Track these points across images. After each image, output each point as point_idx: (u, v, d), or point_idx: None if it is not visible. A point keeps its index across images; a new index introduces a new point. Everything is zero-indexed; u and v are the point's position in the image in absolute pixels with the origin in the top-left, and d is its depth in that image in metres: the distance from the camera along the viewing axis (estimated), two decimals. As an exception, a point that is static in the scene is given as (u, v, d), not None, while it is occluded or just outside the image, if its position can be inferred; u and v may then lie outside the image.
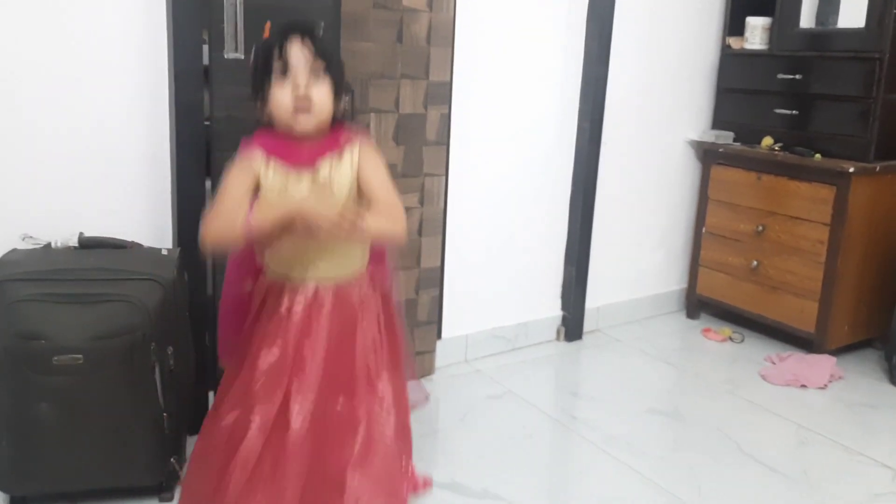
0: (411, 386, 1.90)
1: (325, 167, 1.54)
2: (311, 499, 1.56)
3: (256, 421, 1.53)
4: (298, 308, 1.58)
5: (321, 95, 1.50)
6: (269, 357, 1.56)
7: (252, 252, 1.65)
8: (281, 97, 1.49)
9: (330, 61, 1.51)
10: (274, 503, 1.53)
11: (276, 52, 1.48)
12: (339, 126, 1.58)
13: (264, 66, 1.50)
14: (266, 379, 1.55)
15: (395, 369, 1.73)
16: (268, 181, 1.53)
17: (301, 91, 1.47)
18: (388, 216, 1.54)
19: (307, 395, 1.56)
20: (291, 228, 1.46)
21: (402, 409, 1.75)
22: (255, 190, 1.54)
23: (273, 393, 1.54)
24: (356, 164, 1.56)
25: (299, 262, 1.58)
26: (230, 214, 1.50)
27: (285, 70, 1.48)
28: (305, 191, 1.53)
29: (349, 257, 1.63)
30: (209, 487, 1.56)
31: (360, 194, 1.58)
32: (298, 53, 1.48)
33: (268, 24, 1.56)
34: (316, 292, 1.59)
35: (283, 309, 1.58)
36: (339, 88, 1.54)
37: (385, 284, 1.73)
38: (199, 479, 1.63)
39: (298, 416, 1.54)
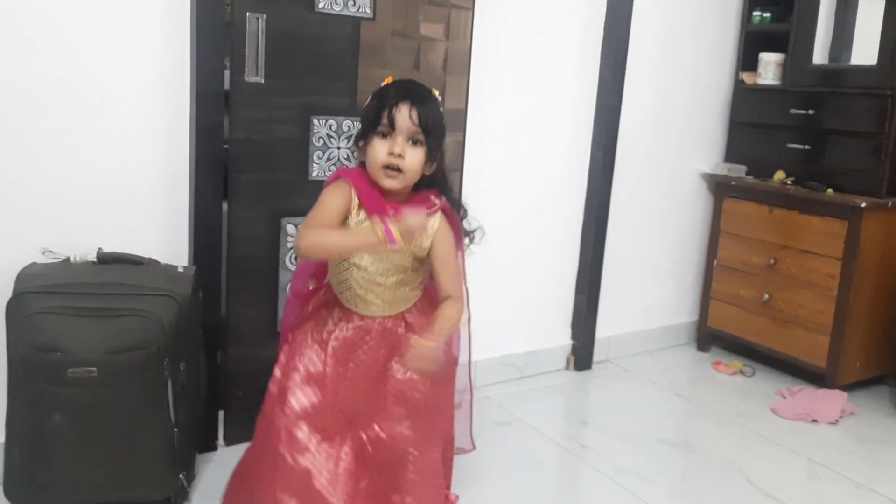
0: (461, 432, 2.01)
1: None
2: None
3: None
4: (342, 334, 1.71)
5: (413, 161, 1.63)
6: (309, 367, 1.71)
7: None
8: (378, 152, 1.62)
9: (430, 132, 1.64)
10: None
11: (385, 112, 1.61)
12: (426, 192, 1.71)
13: (374, 118, 1.63)
14: (301, 391, 1.69)
15: (443, 402, 1.83)
16: (353, 219, 1.65)
17: (395, 154, 1.60)
18: (458, 311, 1.73)
19: (342, 416, 1.69)
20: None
21: (448, 442, 1.86)
22: (345, 215, 1.66)
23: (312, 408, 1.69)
24: (432, 236, 1.69)
25: (353, 294, 1.71)
26: (323, 231, 1.62)
27: (389, 130, 1.61)
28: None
29: (401, 302, 1.75)
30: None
31: (424, 259, 1.73)
32: (405, 119, 1.61)
33: (389, 78, 1.71)
34: (363, 321, 1.71)
35: (329, 328, 1.72)
36: (433, 155, 1.67)
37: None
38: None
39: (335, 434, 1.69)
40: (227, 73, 2.16)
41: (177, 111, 2.14)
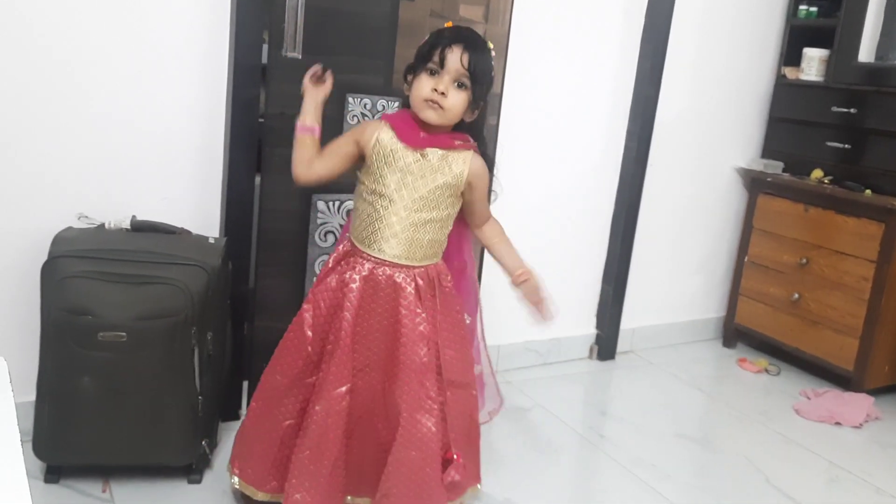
0: (488, 392, 2.00)
1: (435, 154, 1.69)
2: (355, 472, 1.74)
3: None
4: (353, 284, 1.70)
5: (455, 102, 1.66)
6: (317, 323, 1.74)
7: None
8: (423, 86, 1.66)
9: (477, 79, 1.67)
10: (315, 463, 1.67)
11: (438, 50, 1.65)
12: (462, 133, 1.74)
13: (426, 54, 1.67)
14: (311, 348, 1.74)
15: (460, 372, 1.80)
16: (380, 142, 1.69)
17: (439, 92, 1.64)
18: (501, 226, 1.90)
19: (345, 368, 1.69)
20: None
21: (464, 413, 1.81)
22: (352, 157, 1.75)
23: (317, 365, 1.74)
24: (467, 171, 1.71)
25: (368, 236, 1.70)
26: (320, 155, 1.76)
27: (438, 68, 1.65)
28: (410, 163, 1.68)
29: (418, 250, 1.72)
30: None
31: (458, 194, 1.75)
32: (455, 61, 1.64)
33: (449, 23, 1.75)
34: (371, 271, 1.70)
35: (344, 279, 1.71)
36: (476, 103, 1.71)
37: (451, 286, 1.82)
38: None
39: (339, 386, 1.69)
40: (265, 48, 2.18)
41: (214, 83, 2.15)
